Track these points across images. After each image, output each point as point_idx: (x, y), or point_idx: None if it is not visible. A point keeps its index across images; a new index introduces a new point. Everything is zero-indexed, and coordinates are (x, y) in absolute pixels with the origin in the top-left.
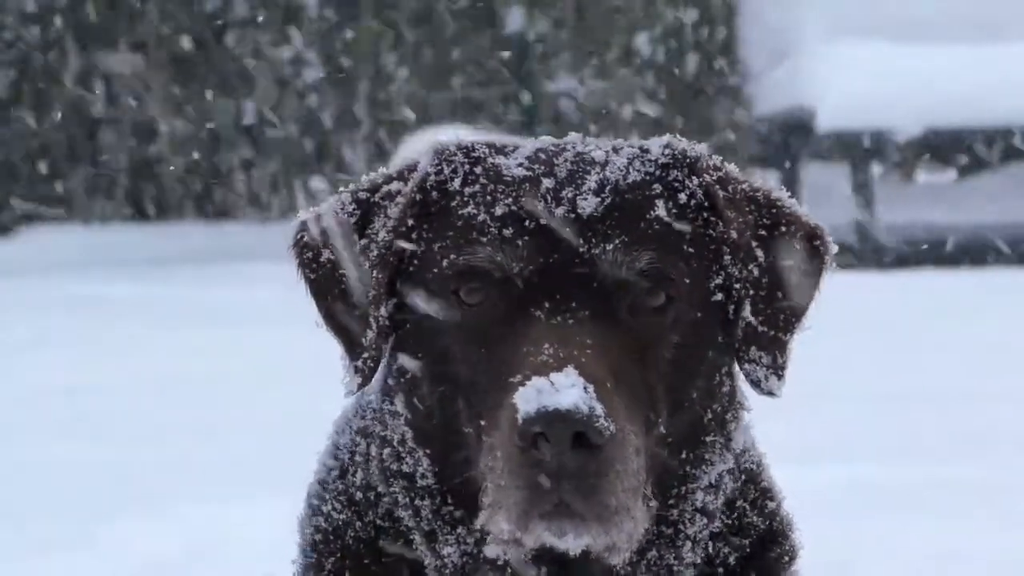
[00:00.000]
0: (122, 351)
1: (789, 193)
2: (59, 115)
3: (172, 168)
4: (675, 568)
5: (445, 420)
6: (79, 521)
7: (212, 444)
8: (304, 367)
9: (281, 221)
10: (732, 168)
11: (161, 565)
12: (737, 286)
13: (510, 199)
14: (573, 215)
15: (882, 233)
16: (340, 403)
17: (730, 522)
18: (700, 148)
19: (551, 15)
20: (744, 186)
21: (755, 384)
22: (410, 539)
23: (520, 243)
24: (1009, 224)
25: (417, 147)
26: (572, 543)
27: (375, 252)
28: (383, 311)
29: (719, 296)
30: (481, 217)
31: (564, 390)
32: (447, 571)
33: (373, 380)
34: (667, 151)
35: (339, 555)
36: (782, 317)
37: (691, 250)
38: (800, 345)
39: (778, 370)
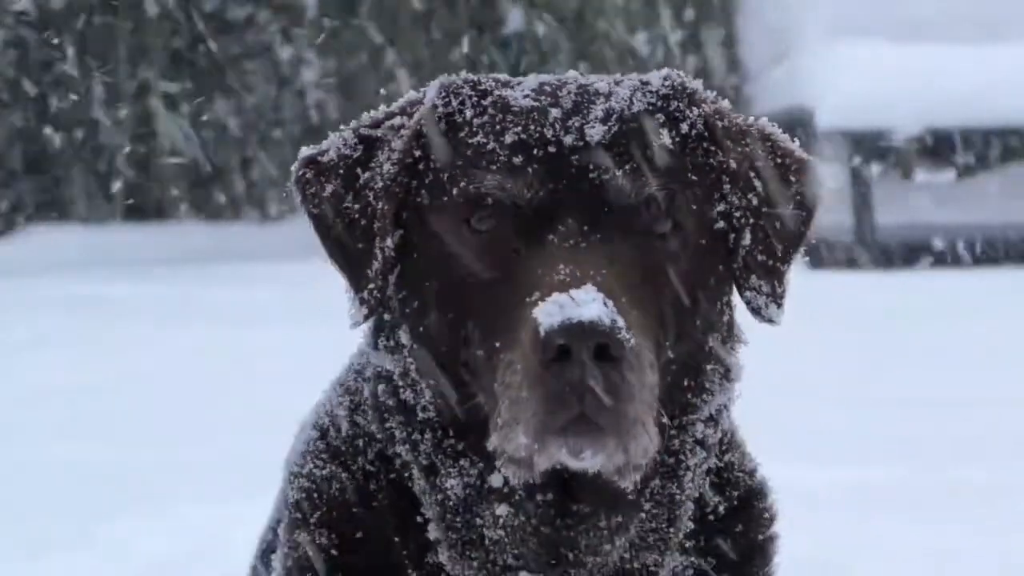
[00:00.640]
0: (122, 351)
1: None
2: (59, 115)
3: (172, 168)
4: (677, 497)
5: (453, 346)
6: (79, 521)
7: (212, 444)
8: (304, 367)
9: (281, 221)
10: (726, 103)
11: (161, 565)
12: (737, 214)
13: (519, 128)
14: (582, 143)
15: (881, 233)
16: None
17: (725, 475)
18: (697, 82)
19: (551, 15)
20: (739, 119)
21: (756, 312)
22: (404, 477)
23: (530, 170)
24: (1009, 224)
25: None
26: (588, 462)
27: (380, 184)
28: (389, 242)
29: (721, 224)
30: (491, 146)
31: (585, 304)
32: (449, 503)
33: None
34: (667, 82)
35: (325, 509)
36: (780, 247)
37: (694, 178)
38: (800, 345)
39: (777, 299)
